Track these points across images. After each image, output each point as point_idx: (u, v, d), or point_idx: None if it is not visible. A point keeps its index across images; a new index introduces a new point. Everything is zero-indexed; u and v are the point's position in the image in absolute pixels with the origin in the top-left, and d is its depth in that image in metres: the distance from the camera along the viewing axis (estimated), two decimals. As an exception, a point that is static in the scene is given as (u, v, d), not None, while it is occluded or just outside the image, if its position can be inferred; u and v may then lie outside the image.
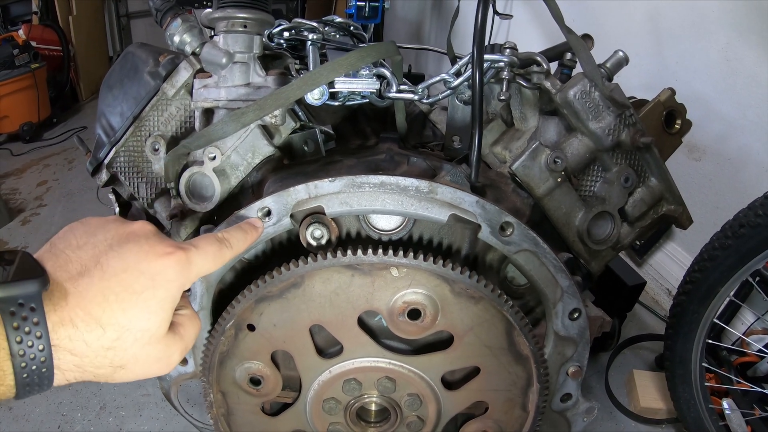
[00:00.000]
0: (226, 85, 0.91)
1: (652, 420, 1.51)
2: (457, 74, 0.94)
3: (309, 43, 1.01)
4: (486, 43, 0.92)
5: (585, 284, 0.96)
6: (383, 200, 0.79)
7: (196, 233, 0.95)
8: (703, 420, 1.27)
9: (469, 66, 0.88)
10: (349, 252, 0.78)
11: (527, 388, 0.90)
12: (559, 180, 0.92)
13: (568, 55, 0.99)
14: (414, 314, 0.82)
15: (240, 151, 0.92)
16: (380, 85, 0.92)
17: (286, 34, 1.14)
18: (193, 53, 0.96)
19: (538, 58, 0.92)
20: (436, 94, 0.97)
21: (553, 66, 0.98)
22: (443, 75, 0.94)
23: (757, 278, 1.15)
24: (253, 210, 0.80)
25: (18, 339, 0.41)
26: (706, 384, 1.25)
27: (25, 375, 0.42)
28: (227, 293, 0.91)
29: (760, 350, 1.41)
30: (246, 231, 0.67)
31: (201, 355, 0.91)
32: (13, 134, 3.49)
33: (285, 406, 0.97)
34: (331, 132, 1.03)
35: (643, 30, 1.90)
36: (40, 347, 0.42)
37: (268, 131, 0.94)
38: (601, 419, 1.53)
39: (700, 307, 1.15)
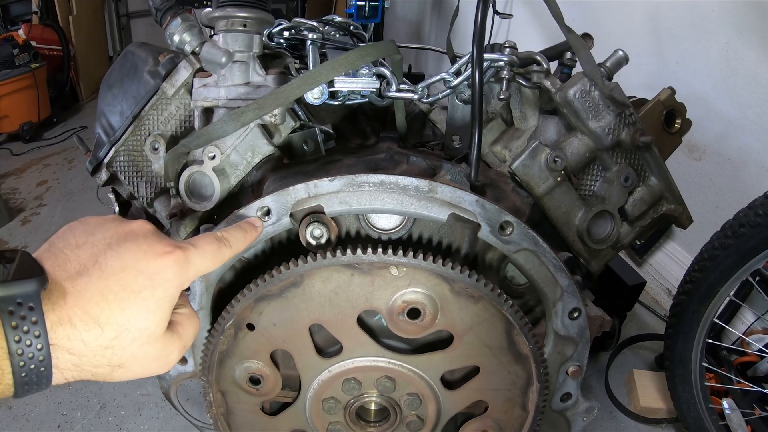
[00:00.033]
0: (226, 84, 0.91)
1: (652, 420, 1.51)
2: (457, 73, 0.94)
3: (309, 42, 1.01)
4: (486, 42, 0.92)
5: (585, 284, 0.96)
6: (383, 199, 0.79)
7: (195, 232, 0.95)
8: (703, 420, 1.26)
9: (469, 65, 0.88)
10: (348, 251, 0.78)
11: (527, 388, 0.90)
12: (558, 179, 0.92)
13: (568, 55, 0.99)
14: (413, 313, 0.82)
15: (240, 151, 0.92)
16: (380, 85, 0.92)
17: (285, 33, 1.14)
18: (193, 52, 0.96)
19: (538, 58, 0.92)
20: (435, 93, 0.97)
21: (553, 65, 0.98)
22: (443, 74, 0.94)
23: (757, 278, 1.15)
24: (252, 209, 0.80)
25: (16, 338, 0.41)
26: (706, 384, 1.25)
27: (23, 374, 0.42)
28: (227, 292, 0.91)
29: (760, 350, 1.41)
30: (245, 230, 0.67)
31: (200, 355, 0.91)
32: (13, 134, 3.49)
33: (284, 406, 0.97)
34: (331, 131, 1.03)
35: (643, 30, 1.90)
36: (39, 346, 0.42)
37: (267, 130, 0.94)
38: (601, 419, 1.53)
39: (700, 306, 1.15)
